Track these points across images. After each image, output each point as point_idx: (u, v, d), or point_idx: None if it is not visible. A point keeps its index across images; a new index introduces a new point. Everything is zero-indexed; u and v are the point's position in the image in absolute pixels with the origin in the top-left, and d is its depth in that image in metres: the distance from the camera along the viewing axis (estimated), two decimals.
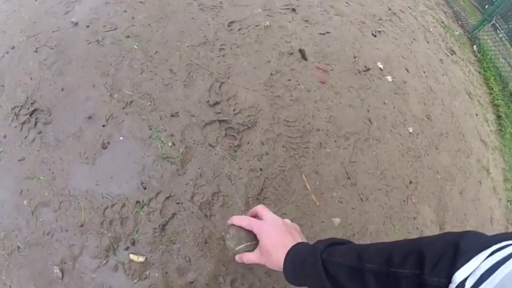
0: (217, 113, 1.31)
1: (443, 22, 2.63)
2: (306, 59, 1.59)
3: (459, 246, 0.31)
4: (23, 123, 1.34)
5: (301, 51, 1.61)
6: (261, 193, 1.20)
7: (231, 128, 1.29)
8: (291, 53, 1.59)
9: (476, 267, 0.28)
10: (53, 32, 1.61)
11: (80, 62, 1.45)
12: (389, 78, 1.80)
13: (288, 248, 0.53)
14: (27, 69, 1.50)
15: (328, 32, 1.79)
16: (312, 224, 1.25)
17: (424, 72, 2.03)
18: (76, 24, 1.61)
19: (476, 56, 2.65)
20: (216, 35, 1.55)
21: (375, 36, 1.96)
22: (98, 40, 1.52)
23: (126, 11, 1.64)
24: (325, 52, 1.69)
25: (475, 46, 2.68)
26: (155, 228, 1.15)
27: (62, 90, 1.39)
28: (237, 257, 0.62)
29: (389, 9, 2.21)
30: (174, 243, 1.15)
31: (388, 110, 1.67)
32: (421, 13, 2.48)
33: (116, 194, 1.17)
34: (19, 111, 1.39)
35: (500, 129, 2.29)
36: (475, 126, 2.11)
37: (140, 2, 1.68)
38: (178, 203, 1.18)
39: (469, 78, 2.35)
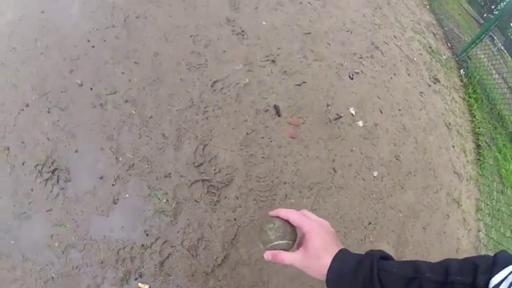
0: (201, 172, 1.93)
1: (430, 47, 3.05)
2: (279, 115, 2.15)
3: (496, 261, 0.47)
4: (47, 180, 2.01)
5: (275, 107, 2.17)
6: (234, 238, 1.84)
7: (212, 186, 1.91)
8: (267, 110, 2.16)
9: (507, 275, 0.44)
10: (61, 92, 2.22)
11: (88, 126, 2.08)
12: (360, 123, 2.34)
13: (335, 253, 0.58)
14: (43, 129, 2.14)
15: (304, 82, 2.33)
16: (273, 263, 1.90)
17: (399, 110, 2.55)
18: (81, 85, 2.22)
19: (462, 81, 3.07)
20: (201, 97, 2.13)
21: (352, 78, 2.47)
22: (101, 104, 2.13)
23: (123, 73, 2.22)
24: (299, 105, 2.24)
25: (462, 70, 3.09)
26: (156, 265, 1.82)
27: (76, 151, 2.03)
28: (267, 253, 0.63)
29: (372, 44, 2.68)
30: (170, 276, 1.82)
31: (354, 157, 2.24)
32: (407, 41, 2.91)
33: (126, 239, 1.84)
34: (42, 168, 2.04)
35: (478, 159, 2.79)
36: (449, 159, 2.64)
37: (135, 62, 2.25)
38: (172, 246, 1.84)
39: (450, 107, 2.83)
